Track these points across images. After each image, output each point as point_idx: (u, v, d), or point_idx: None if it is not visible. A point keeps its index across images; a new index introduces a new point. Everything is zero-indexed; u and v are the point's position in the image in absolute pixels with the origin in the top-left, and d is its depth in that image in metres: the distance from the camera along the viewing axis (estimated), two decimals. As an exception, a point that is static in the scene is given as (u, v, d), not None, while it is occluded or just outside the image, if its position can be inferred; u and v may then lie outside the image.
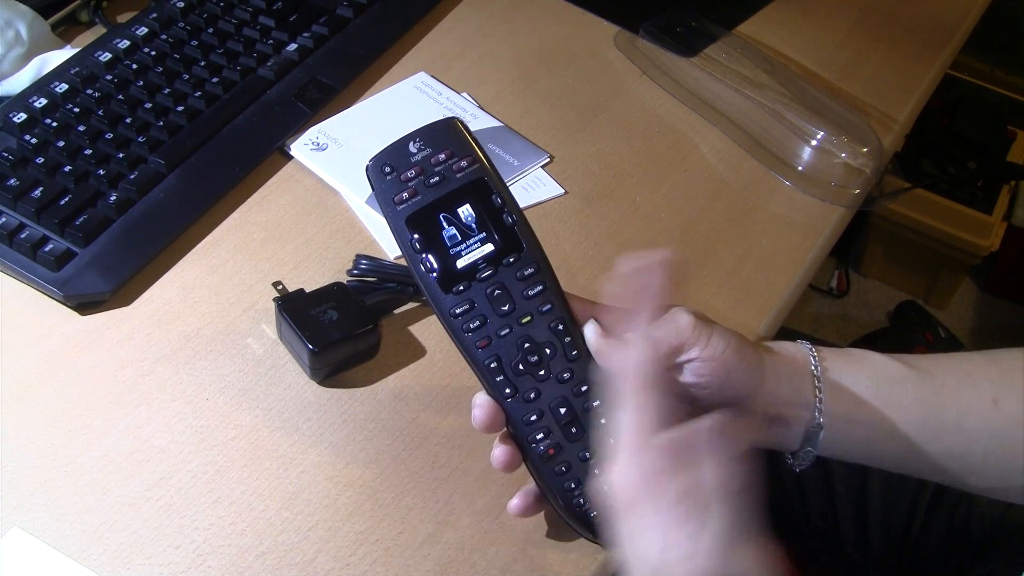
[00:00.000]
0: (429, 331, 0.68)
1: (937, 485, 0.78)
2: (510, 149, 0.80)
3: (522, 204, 0.76)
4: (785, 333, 0.82)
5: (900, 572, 0.81)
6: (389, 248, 0.73)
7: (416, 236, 0.52)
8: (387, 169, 0.52)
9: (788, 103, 0.84)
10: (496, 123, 0.83)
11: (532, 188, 0.78)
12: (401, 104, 0.83)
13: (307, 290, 0.67)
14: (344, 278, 0.69)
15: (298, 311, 0.64)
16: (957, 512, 0.77)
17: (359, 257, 0.69)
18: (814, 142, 0.82)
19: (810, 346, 0.59)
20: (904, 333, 1.83)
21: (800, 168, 0.82)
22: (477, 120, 0.82)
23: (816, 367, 0.58)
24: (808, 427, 0.58)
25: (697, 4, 0.95)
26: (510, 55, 0.90)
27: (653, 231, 0.77)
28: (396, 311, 0.69)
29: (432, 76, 0.86)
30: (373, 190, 0.52)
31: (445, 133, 0.53)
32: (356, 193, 0.76)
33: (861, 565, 0.83)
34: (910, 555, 0.80)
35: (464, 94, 0.85)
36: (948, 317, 1.87)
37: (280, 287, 0.68)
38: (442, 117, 0.82)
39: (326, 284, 0.67)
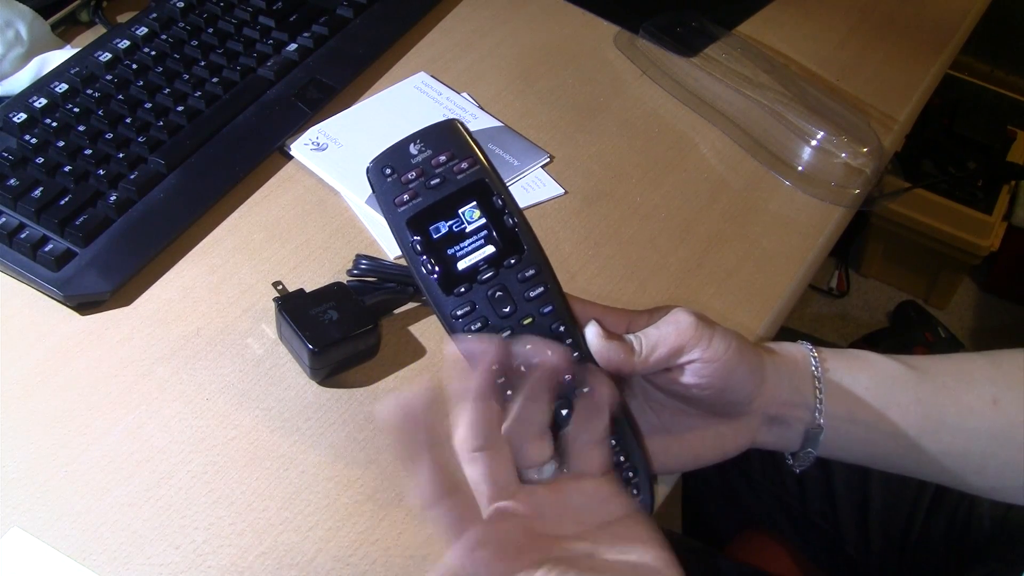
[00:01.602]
0: (429, 331, 0.68)
1: (938, 486, 0.78)
2: (510, 149, 0.80)
3: (522, 204, 0.76)
4: (785, 333, 0.82)
5: (901, 572, 0.81)
6: (389, 248, 0.73)
7: (417, 238, 0.51)
8: (388, 171, 0.52)
9: (788, 103, 0.84)
10: (496, 123, 0.83)
11: (532, 188, 0.78)
12: (401, 104, 0.83)
13: (307, 290, 0.67)
14: (344, 278, 0.69)
15: (298, 311, 0.64)
16: (958, 513, 0.77)
17: (359, 257, 0.69)
18: (814, 142, 0.82)
19: (810, 347, 0.59)
20: (904, 333, 1.84)
21: (800, 168, 0.82)
22: (477, 120, 0.82)
23: (816, 368, 0.58)
24: (808, 428, 0.58)
25: (697, 4, 0.95)
26: (510, 55, 0.90)
27: (653, 231, 0.77)
28: (396, 311, 0.69)
29: (432, 76, 0.86)
30: (374, 192, 0.52)
31: (445, 134, 0.53)
32: (356, 193, 0.76)
33: (861, 565, 0.83)
34: (910, 555, 0.80)
35: (464, 94, 0.85)
36: (948, 317, 1.87)
37: (280, 287, 0.68)
38: (442, 117, 0.82)
39: (326, 284, 0.67)
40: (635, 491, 0.54)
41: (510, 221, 0.52)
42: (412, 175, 0.52)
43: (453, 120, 0.53)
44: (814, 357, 0.59)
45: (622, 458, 0.53)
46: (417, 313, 0.69)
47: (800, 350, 0.59)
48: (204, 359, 0.65)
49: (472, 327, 0.52)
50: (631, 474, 0.54)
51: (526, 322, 0.52)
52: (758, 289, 0.74)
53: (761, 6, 0.99)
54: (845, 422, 0.58)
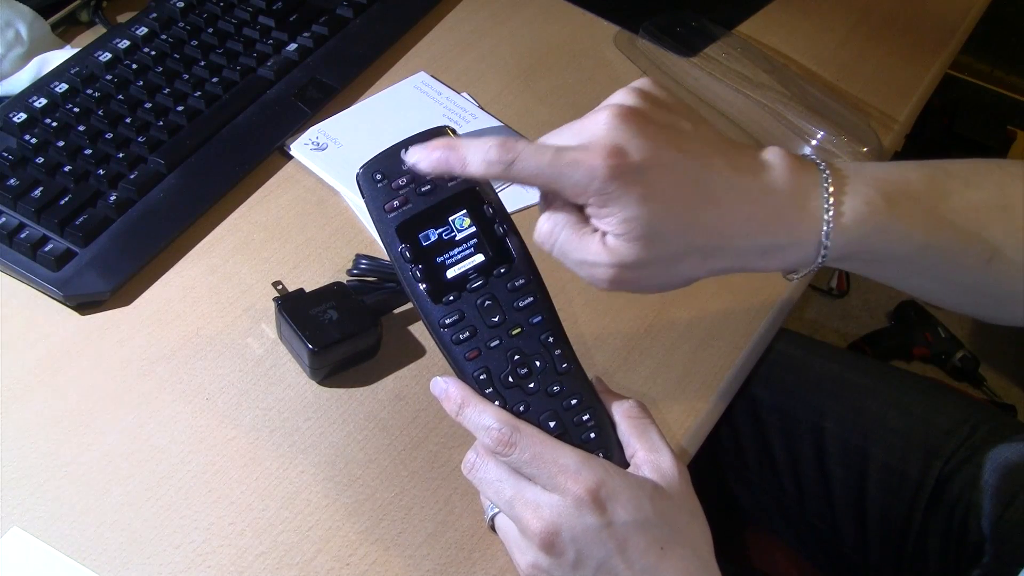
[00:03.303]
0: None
1: (935, 486, 0.78)
2: (510, 149, 0.80)
3: (521, 204, 0.77)
4: (785, 334, 0.82)
5: (898, 572, 0.81)
6: (389, 248, 0.73)
7: (406, 245, 0.51)
8: (378, 176, 0.52)
9: (788, 103, 0.84)
10: (496, 123, 0.83)
11: (532, 188, 0.78)
12: (401, 104, 0.83)
13: (307, 290, 0.67)
14: (344, 278, 0.69)
15: (298, 311, 0.64)
16: (955, 512, 0.77)
17: (359, 257, 0.70)
18: (814, 142, 0.82)
19: (826, 184, 0.50)
20: (904, 333, 1.84)
21: (800, 168, 0.82)
22: (477, 120, 0.82)
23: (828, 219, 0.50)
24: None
25: (697, 4, 0.95)
26: (510, 55, 0.90)
27: (653, 231, 0.77)
28: (396, 311, 0.69)
29: (432, 76, 0.86)
30: (363, 198, 0.52)
31: None
32: (356, 193, 0.75)
33: (859, 565, 0.83)
34: (908, 555, 0.80)
35: (464, 94, 0.85)
36: (948, 317, 1.87)
37: (280, 287, 0.68)
38: (442, 117, 0.82)
39: (326, 284, 0.67)
40: None
41: (500, 230, 0.52)
42: (402, 181, 0.51)
43: (443, 127, 0.53)
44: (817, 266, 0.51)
45: (601, 454, 0.53)
46: (417, 313, 0.69)
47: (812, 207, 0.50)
48: (204, 359, 0.65)
49: (461, 336, 0.51)
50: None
51: (515, 332, 0.52)
52: (757, 288, 0.74)
53: (761, 6, 0.99)
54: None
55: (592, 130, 0.48)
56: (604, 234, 0.49)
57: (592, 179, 0.47)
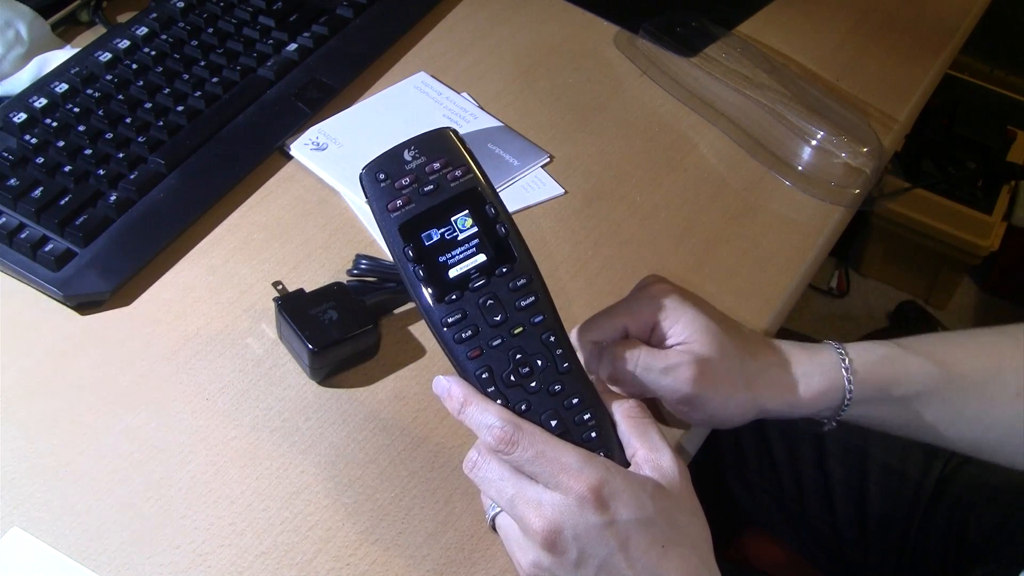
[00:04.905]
0: (429, 331, 0.68)
1: (935, 486, 0.78)
2: (510, 149, 0.80)
3: (522, 204, 0.77)
4: (785, 333, 0.81)
5: (899, 573, 0.81)
6: (389, 248, 0.73)
7: (409, 245, 0.51)
8: (381, 176, 0.52)
9: (788, 103, 0.84)
10: (496, 123, 0.83)
11: (532, 188, 0.78)
12: (401, 104, 0.83)
13: (307, 290, 0.67)
14: (344, 278, 0.69)
15: (298, 311, 0.64)
16: (955, 513, 0.77)
17: (359, 257, 0.70)
18: (814, 142, 0.82)
19: (847, 375, 0.62)
20: (904, 333, 1.83)
21: (800, 168, 0.82)
22: (477, 120, 0.82)
23: (848, 397, 0.61)
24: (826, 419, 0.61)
25: (697, 4, 0.95)
26: (510, 55, 0.90)
27: (653, 231, 0.77)
28: (396, 311, 0.69)
29: (432, 76, 0.86)
30: (367, 197, 0.52)
31: (439, 142, 0.53)
32: (356, 193, 0.76)
33: (860, 566, 0.83)
34: (909, 556, 0.80)
35: (464, 94, 0.85)
36: (948, 317, 1.87)
37: (280, 287, 0.68)
38: (442, 117, 0.82)
39: (326, 284, 0.67)
40: None
41: (502, 230, 0.52)
42: (406, 181, 0.52)
43: (446, 128, 0.53)
44: (849, 392, 0.61)
45: (602, 453, 0.53)
46: (417, 313, 0.69)
47: (833, 380, 0.62)
48: (204, 359, 0.65)
49: (463, 335, 0.52)
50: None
51: (517, 331, 0.52)
52: (758, 289, 0.74)
53: (761, 6, 0.99)
54: (865, 417, 0.62)
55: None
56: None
57: (657, 309, 0.59)
